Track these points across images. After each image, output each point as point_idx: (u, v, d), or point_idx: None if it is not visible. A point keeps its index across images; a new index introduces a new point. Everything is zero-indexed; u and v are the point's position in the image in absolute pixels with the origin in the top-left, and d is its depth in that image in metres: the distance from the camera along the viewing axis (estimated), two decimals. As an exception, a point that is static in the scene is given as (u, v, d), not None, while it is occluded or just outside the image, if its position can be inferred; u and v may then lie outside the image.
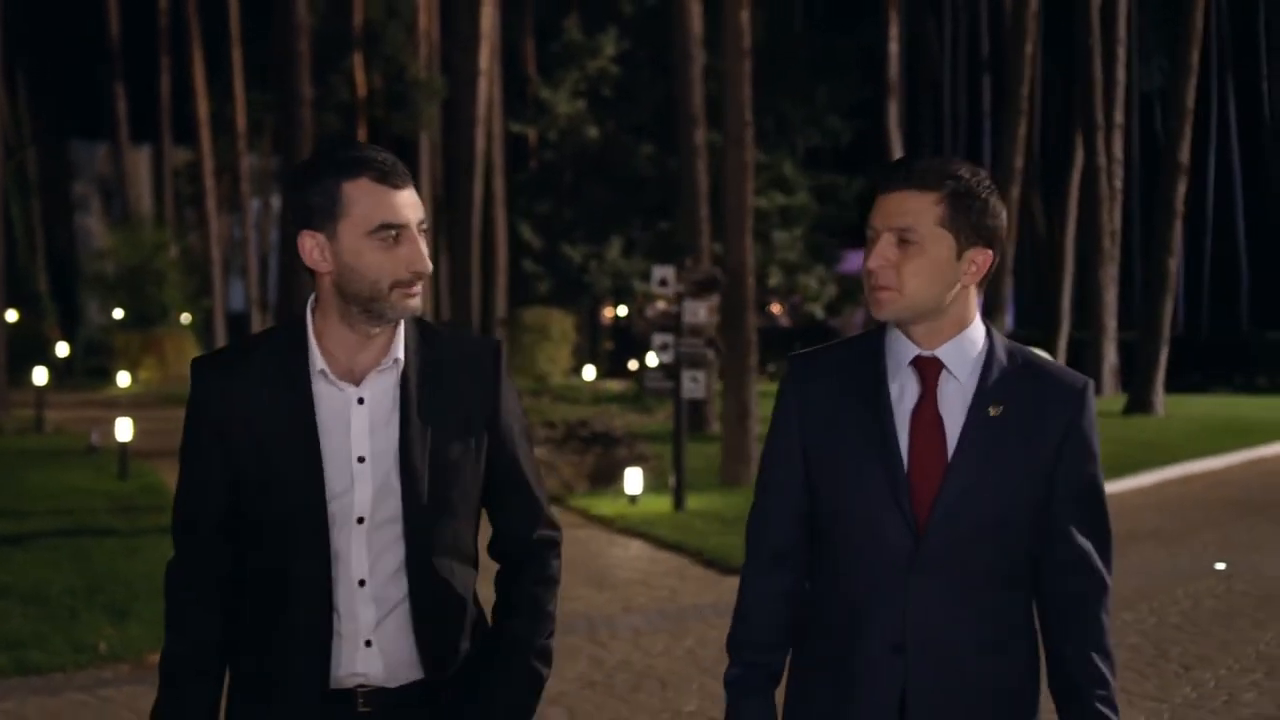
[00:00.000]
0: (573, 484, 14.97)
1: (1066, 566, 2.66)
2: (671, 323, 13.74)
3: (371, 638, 2.66)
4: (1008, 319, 54.22)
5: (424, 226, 2.64)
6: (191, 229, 49.02)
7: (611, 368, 41.88)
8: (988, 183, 2.62)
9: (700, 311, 13.46)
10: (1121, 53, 30.16)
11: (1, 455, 18.33)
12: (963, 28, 55.66)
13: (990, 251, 2.63)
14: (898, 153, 39.74)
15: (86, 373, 40.36)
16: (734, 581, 8.82)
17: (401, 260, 2.59)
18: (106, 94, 48.65)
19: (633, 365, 36.05)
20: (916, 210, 2.59)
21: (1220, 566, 10.89)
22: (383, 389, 2.68)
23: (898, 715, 2.61)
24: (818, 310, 43.57)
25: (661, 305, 14.24)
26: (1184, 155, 25.09)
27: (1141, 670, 7.73)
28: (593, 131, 39.20)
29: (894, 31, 39.34)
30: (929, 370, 2.65)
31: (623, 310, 41.71)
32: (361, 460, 2.65)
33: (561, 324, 37.43)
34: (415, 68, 39.68)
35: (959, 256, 2.61)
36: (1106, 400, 28.46)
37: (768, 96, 39.82)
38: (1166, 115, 26.50)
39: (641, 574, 10.76)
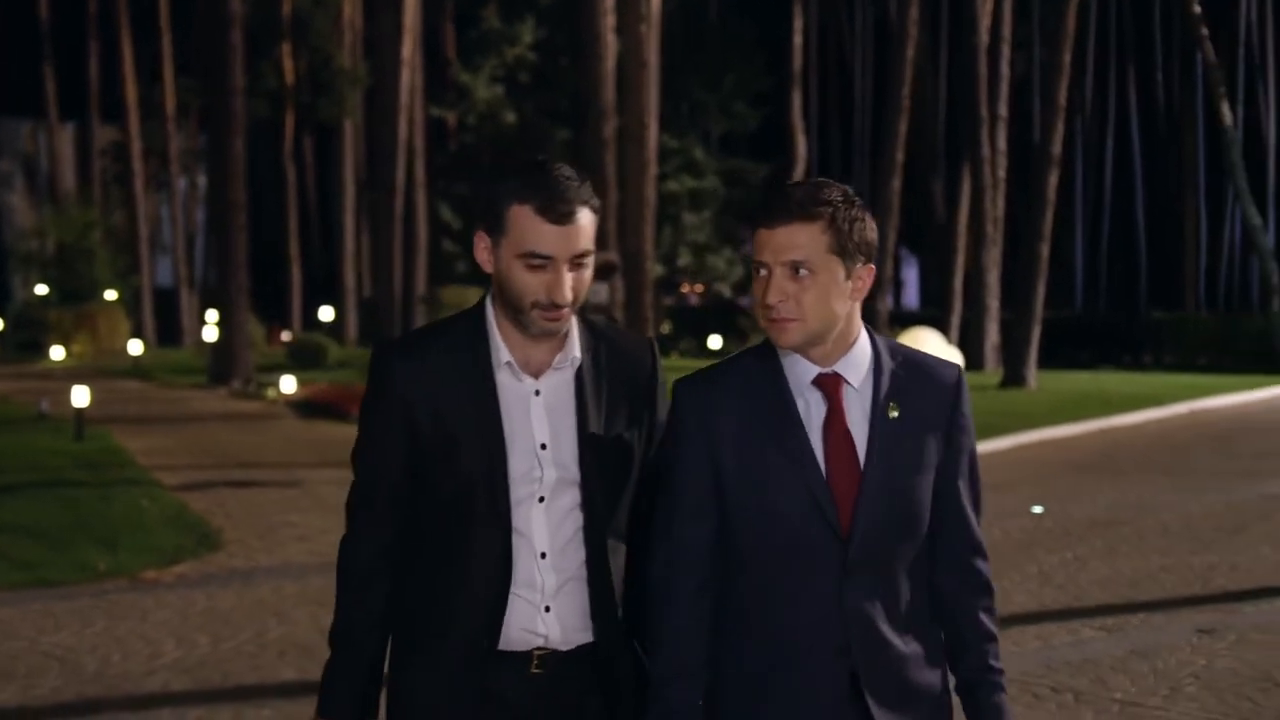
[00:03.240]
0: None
1: (960, 540, 2.87)
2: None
3: (551, 604, 2.87)
4: (909, 297, 56.53)
5: (581, 259, 2.80)
6: (117, 206, 50.00)
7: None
8: (859, 201, 2.76)
9: (601, 292, 15.32)
10: (1006, 50, 32.18)
11: (-44, 422, 19.89)
12: (869, 16, 57.54)
13: (872, 265, 2.78)
14: (801, 142, 41.67)
15: (16, 346, 41.48)
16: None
17: (542, 285, 2.78)
18: (34, 73, 49.54)
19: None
20: (806, 242, 2.68)
21: (1037, 510, 12.86)
22: (560, 383, 2.90)
23: (850, 707, 2.76)
24: (726, 289, 45.55)
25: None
26: (1056, 148, 27.24)
27: (942, 582, 9.63)
28: (510, 116, 40.51)
29: (798, 24, 41.25)
30: (831, 386, 2.78)
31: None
32: (544, 447, 2.86)
33: (480, 302, 38.77)
34: (340, 57, 40.91)
35: (848, 277, 2.73)
36: (987, 375, 30.57)
37: (681, 81, 41.47)
38: (1043, 110, 28.55)
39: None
